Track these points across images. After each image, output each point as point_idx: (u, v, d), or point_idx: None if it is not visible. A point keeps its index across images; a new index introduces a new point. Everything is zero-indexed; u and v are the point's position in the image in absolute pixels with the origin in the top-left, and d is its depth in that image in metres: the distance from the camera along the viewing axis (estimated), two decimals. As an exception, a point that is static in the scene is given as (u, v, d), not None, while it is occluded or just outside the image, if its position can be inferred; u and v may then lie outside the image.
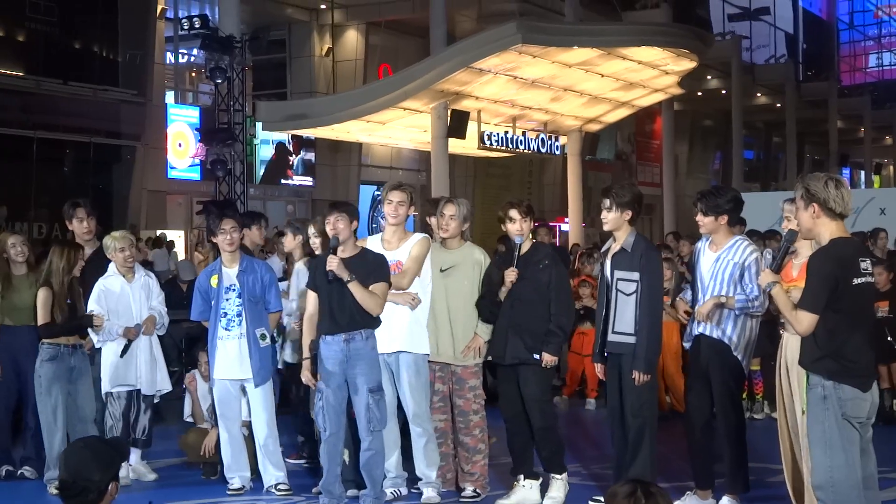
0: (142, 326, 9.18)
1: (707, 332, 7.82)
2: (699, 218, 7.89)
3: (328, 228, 8.07)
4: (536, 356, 8.13)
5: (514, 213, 8.27)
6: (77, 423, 9.00)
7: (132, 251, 9.29)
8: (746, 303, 7.69)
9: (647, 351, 7.78)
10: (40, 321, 8.93)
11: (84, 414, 9.06)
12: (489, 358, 8.49)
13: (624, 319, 7.85)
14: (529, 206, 8.40)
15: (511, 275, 8.15)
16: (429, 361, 8.53)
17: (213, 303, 8.79)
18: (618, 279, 7.90)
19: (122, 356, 9.10)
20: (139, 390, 9.22)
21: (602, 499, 8.20)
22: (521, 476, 8.32)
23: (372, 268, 7.95)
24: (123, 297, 9.16)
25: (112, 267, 9.19)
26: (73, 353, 9.04)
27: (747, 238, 8.16)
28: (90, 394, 9.12)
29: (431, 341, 8.50)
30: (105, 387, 9.10)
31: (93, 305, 9.04)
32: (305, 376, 8.27)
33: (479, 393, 8.58)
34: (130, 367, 9.16)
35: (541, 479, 8.36)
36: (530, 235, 8.43)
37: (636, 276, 7.82)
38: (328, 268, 7.84)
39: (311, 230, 9.15)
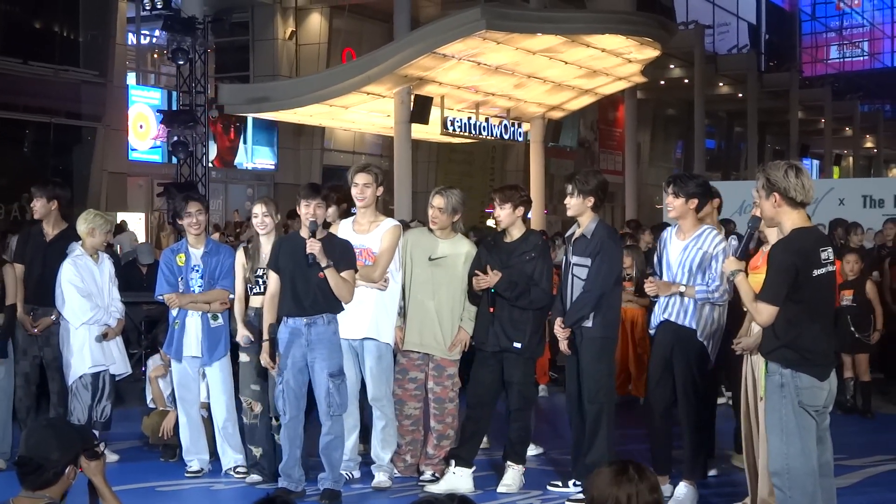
0: (122, 323, 9.35)
1: (672, 318, 7.82)
2: (669, 200, 7.84)
3: (306, 213, 7.91)
4: (517, 345, 8.14)
5: (495, 199, 8.30)
6: None
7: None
8: (707, 294, 7.68)
9: (575, 311, 7.86)
10: None
11: None
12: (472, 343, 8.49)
13: (579, 304, 7.93)
14: (511, 193, 8.29)
15: (484, 282, 8.16)
16: (410, 351, 8.53)
17: (179, 280, 8.79)
18: (573, 264, 7.95)
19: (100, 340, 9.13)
20: (104, 373, 9.17)
21: (560, 483, 8.27)
22: (453, 462, 8.31)
23: (339, 254, 7.89)
24: (94, 278, 9.15)
25: (78, 247, 9.14)
26: None
27: (715, 227, 8.16)
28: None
29: (414, 332, 8.47)
30: (82, 368, 9.00)
31: (78, 283, 8.98)
32: (264, 359, 8.24)
33: (456, 381, 8.58)
34: (105, 347, 9.14)
35: (473, 469, 8.32)
36: (520, 223, 8.31)
37: (590, 261, 7.87)
38: (308, 251, 7.78)
39: (261, 208, 8.70)
